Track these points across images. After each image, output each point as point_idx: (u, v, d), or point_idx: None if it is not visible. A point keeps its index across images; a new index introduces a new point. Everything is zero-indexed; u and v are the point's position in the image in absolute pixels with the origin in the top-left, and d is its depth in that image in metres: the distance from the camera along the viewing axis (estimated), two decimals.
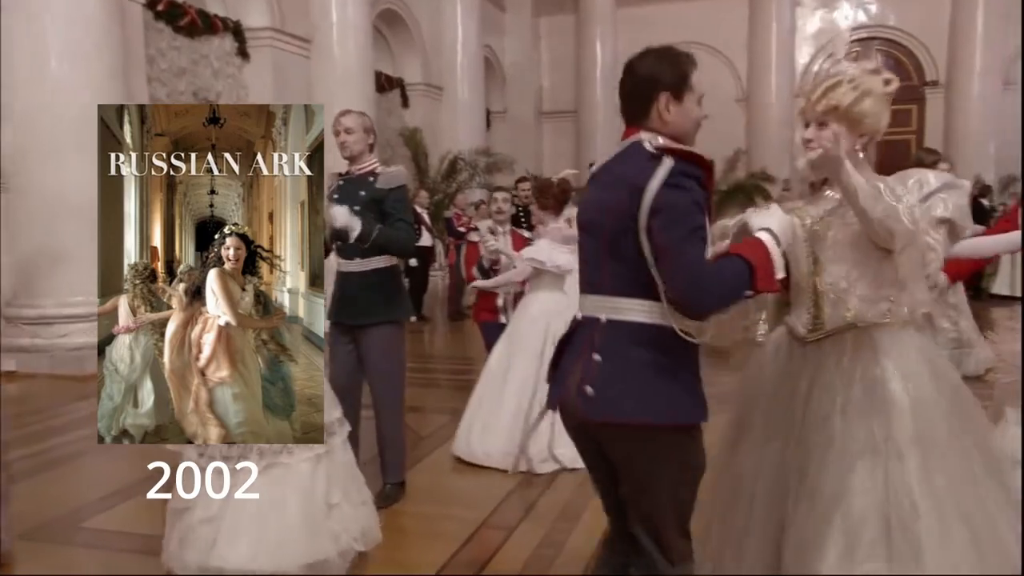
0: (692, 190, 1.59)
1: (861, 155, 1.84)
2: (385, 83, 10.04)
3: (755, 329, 1.97)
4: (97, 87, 4.92)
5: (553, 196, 3.76)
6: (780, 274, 1.64)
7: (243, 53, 7.56)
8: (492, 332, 4.02)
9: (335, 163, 3.12)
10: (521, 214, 5.67)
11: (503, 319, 4.06)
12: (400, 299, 3.23)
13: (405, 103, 10.64)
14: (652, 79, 1.72)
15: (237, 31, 7.48)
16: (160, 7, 6.50)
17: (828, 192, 1.90)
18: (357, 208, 2.89)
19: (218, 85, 7.33)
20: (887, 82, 1.80)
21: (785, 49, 12.40)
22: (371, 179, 3.13)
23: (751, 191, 11.48)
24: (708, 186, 1.62)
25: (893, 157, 12.22)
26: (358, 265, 3.09)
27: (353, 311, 3.06)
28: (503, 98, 13.68)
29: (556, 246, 3.66)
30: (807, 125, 1.83)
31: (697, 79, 1.70)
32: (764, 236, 1.64)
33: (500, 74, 13.51)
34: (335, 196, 3.08)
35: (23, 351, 5.05)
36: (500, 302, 4.15)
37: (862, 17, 12.40)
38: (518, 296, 4.01)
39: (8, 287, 5.22)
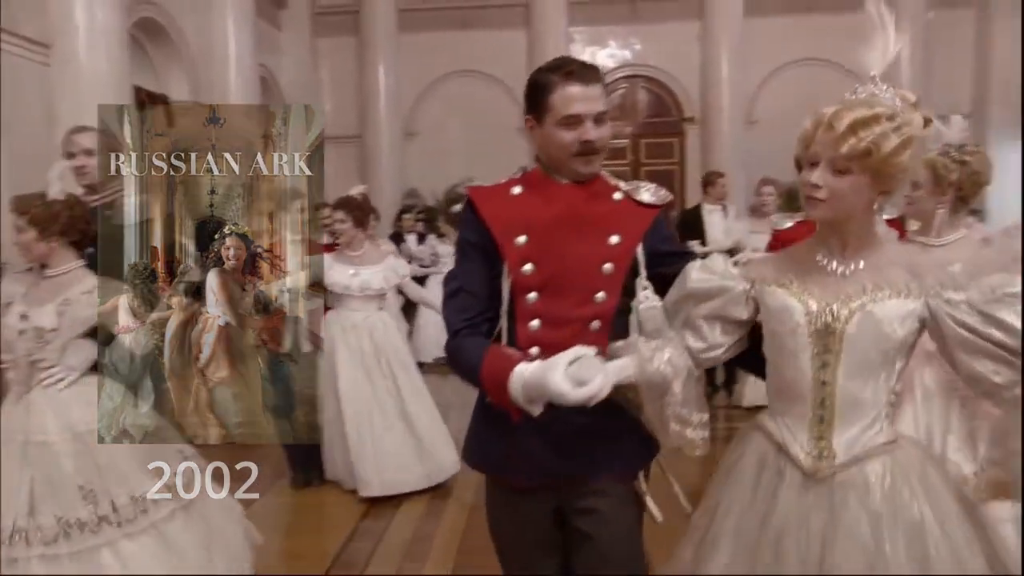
0: (460, 232, 1.65)
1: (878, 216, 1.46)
2: (146, 99, 8.99)
3: (696, 435, 1.48)
4: None
5: (367, 212, 3.84)
6: (529, 407, 1.38)
7: None
8: None
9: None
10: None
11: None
12: None
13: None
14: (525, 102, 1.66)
15: None
16: None
17: (857, 263, 1.40)
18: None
19: None
20: (927, 122, 1.38)
21: None
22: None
23: None
24: (486, 225, 1.56)
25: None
26: None
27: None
28: None
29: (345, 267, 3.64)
30: (814, 163, 1.37)
31: (562, 98, 1.56)
32: (524, 368, 1.38)
33: (278, 95, 12.76)
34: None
35: None
36: None
37: (628, 56, 13.36)
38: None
39: None
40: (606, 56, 13.33)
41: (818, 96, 1.63)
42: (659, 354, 1.44)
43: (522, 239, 1.57)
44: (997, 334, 1.29)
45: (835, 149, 1.33)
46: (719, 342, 1.50)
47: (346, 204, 3.82)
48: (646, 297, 1.60)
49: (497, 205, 1.61)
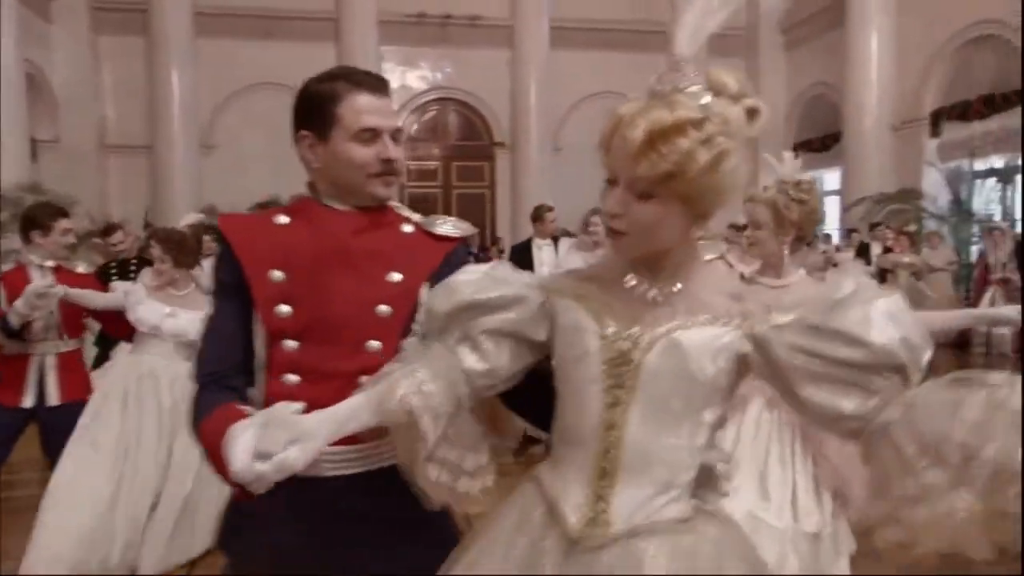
0: (214, 270, 1.42)
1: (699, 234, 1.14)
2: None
3: (469, 486, 1.17)
4: None
5: (192, 251, 3.29)
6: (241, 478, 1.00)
7: None
8: None
9: None
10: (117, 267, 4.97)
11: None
12: None
13: None
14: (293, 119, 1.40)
15: None
16: None
17: (671, 286, 1.11)
18: None
19: None
20: (752, 114, 1.07)
21: None
22: None
23: None
24: (237, 258, 1.32)
25: (470, 210, 13.47)
26: None
27: None
28: (54, 125, 11.51)
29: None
30: (612, 181, 1.08)
31: (352, 109, 1.33)
32: (241, 427, 1.02)
33: (49, 96, 11.36)
34: None
35: None
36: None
37: (439, 78, 13.41)
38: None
39: None
40: (417, 77, 13.29)
41: None
42: (405, 380, 1.08)
43: (278, 274, 1.29)
44: (840, 350, 1.01)
45: (632, 169, 1.03)
46: (503, 366, 1.15)
47: (165, 240, 3.21)
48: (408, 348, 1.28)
49: (253, 237, 1.33)
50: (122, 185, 12.25)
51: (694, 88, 1.04)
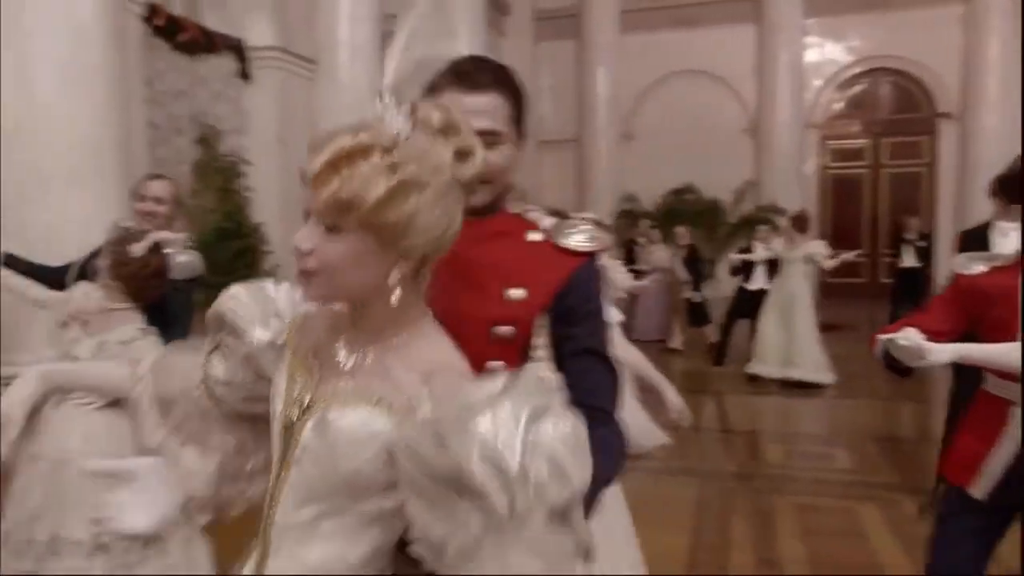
0: None
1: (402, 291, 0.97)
2: None
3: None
4: (91, 113, 4.34)
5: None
6: None
7: (245, 74, 7.01)
8: None
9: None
10: None
11: None
12: None
13: None
14: None
15: (239, 50, 6.93)
16: (158, 22, 5.94)
17: (364, 356, 1.00)
18: None
19: (217, 108, 6.77)
20: (462, 156, 0.96)
21: (794, 78, 12.12)
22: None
23: (757, 224, 11.19)
24: None
25: (903, 192, 12.07)
26: None
27: None
28: None
29: None
30: (307, 214, 0.96)
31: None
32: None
33: None
34: None
35: None
36: None
37: (870, 48, 12.19)
38: None
39: None
40: (842, 49, 12.28)
41: None
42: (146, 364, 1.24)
43: None
44: (432, 454, 0.83)
45: (316, 197, 0.91)
46: (241, 384, 1.15)
47: None
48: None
49: None
50: (554, 176, 13.64)
51: (397, 119, 0.93)
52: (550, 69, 13.37)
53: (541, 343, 1.20)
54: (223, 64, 6.80)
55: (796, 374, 6.62)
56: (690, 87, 12.63)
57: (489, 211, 1.23)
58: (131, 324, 2.30)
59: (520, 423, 0.80)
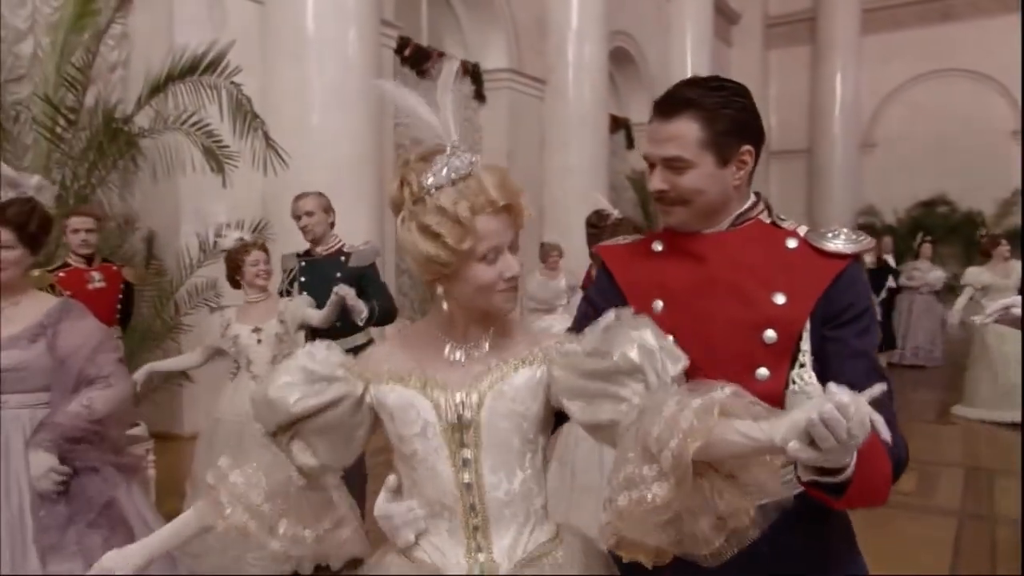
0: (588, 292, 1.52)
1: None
2: (611, 123, 9.66)
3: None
4: (355, 136, 4.87)
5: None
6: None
7: (480, 95, 7.47)
8: None
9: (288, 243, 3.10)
10: None
11: None
12: None
13: (631, 144, 10.19)
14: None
15: (476, 73, 7.41)
16: (407, 52, 6.53)
17: (481, 347, 1.19)
18: (332, 296, 2.75)
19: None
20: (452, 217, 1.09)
21: None
22: (341, 258, 3.03)
23: None
24: (620, 288, 1.35)
25: None
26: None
27: None
28: None
29: None
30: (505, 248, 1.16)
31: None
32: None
33: None
34: (302, 279, 3.01)
35: None
36: None
37: None
38: None
39: None
40: None
41: None
42: (225, 492, 1.19)
43: (659, 304, 1.28)
44: (588, 362, 1.10)
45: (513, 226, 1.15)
46: (337, 458, 1.23)
47: None
48: (800, 380, 1.21)
49: (633, 266, 1.36)
50: (781, 188, 12.96)
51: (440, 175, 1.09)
52: (779, 77, 12.77)
53: (806, 348, 1.23)
54: (461, 87, 7.30)
55: None
56: (943, 88, 11.41)
57: (738, 221, 1.30)
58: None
59: (633, 327, 1.09)
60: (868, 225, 11.17)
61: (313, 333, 2.93)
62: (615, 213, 3.09)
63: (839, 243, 1.25)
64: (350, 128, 4.86)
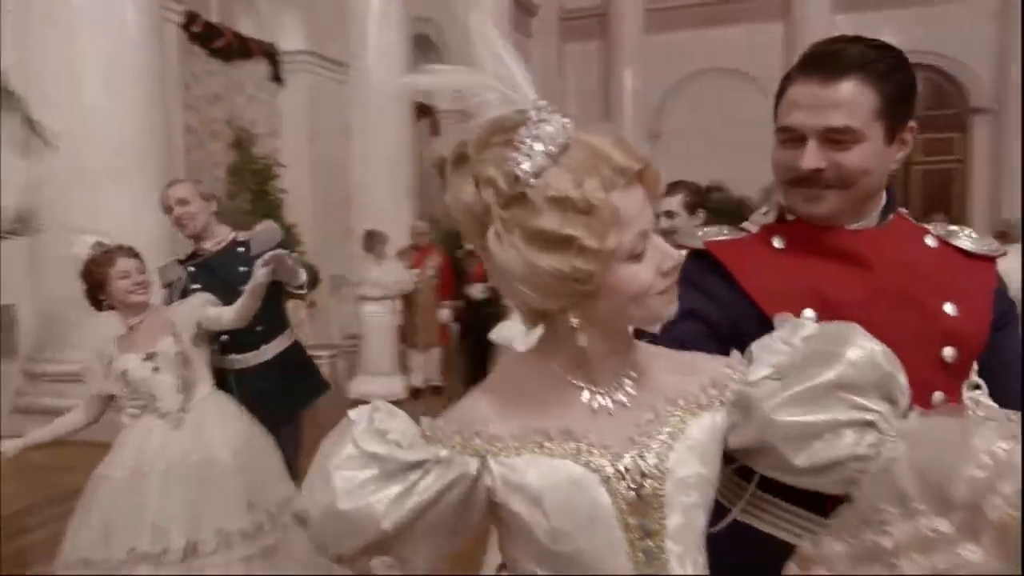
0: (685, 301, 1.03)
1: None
2: (417, 111, 9.62)
3: None
4: (134, 115, 4.46)
5: None
6: None
7: (277, 78, 7.13)
8: None
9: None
10: None
11: None
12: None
13: (435, 131, 10.22)
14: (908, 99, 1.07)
15: (272, 55, 7.05)
16: (196, 28, 6.07)
17: (622, 384, 0.85)
18: (242, 288, 2.34)
19: (251, 112, 6.89)
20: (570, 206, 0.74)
21: None
22: (239, 249, 2.61)
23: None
24: (748, 293, 1.08)
25: (934, 189, 11.90)
26: (260, 355, 2.64)
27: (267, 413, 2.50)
28: None
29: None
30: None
31: (788, 100, 1.08)
32: None
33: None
34: (196, 287, 2.52)
35: (48, 412, 4.49)
36: None
37: (905, 44, 12.00)
38: None
39: (31, 339, 4.68)
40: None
41: None
42: None
43: (809, 314, 1.01)
44: (817, 372, 0.81)
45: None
46: (433, 562, 0.85)
47: None
48: (975, 404, 1.03)
49: (756, 267, 1.08)
50: None
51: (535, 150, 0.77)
52: (576, 70, 13.39)
53: (975, 365, 1.07)
54: (257, 69, 6.93)
55: None
56: (716, 85, 12.57)
57: (886, 215, 1.10)
58: None
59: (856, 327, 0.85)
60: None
61: (222, 345, 2.52)
62: None
63: (970, 243, 1.12)
64: (129, 107, 4.44)
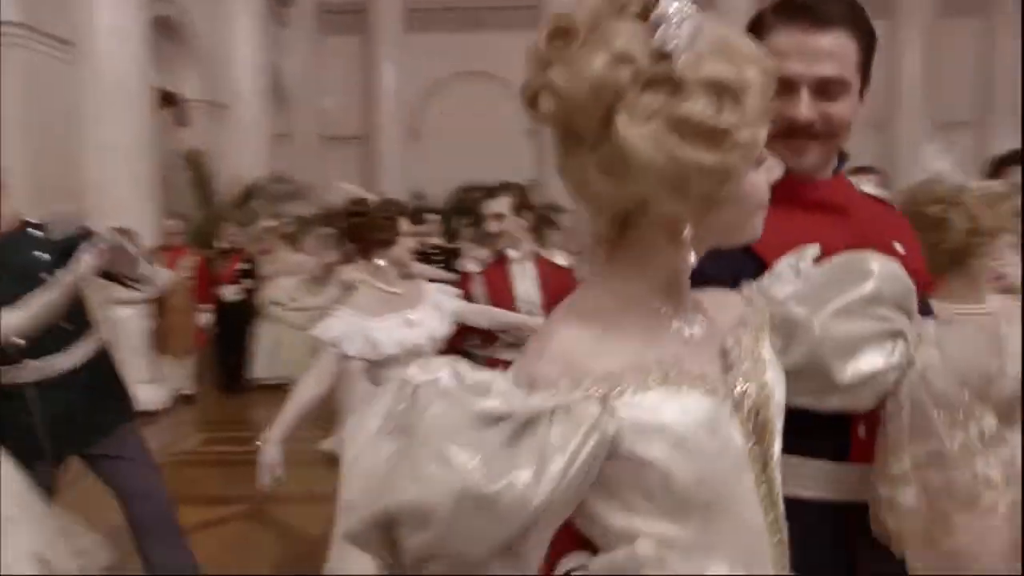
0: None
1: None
2: (161, 99, 8.90)
3: None
4: None
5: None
6: None
7: None
8: None
9: None
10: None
11: None
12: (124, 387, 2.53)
13: (181, 121, 9.52)
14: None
15: None
16: None
17: (695, 315, 0.79)
18: (43, 277, 2.07)
19: None
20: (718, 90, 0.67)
21: None
22: (34, 232, 2.30)
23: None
24: (758, 255, 1.03)
25: None
26: (65, 360, 2.21)
27: (77, 432, 2.21)
28: (287, 120, 12.86)
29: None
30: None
31: (773, 49, 0.98)
32: None
33: (284, 93, 12.69)
34: None
35: None
36: None
37: None
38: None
39: None
40: None
41: None
42: None
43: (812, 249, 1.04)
44: (850, 288, 0.84)
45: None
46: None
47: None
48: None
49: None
50: (339, 173, 13.43)
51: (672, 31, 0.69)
52: (334, 64, 13.17)
53: None
54: None
55: None
56: (474, 88, 13.08)
57: (838, 169, 1.11)
58: None
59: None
60: (421, 208, 12.30)
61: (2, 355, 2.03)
62: (371, 196, 2.61)
63: (872, 189, 1.17)
64: None
